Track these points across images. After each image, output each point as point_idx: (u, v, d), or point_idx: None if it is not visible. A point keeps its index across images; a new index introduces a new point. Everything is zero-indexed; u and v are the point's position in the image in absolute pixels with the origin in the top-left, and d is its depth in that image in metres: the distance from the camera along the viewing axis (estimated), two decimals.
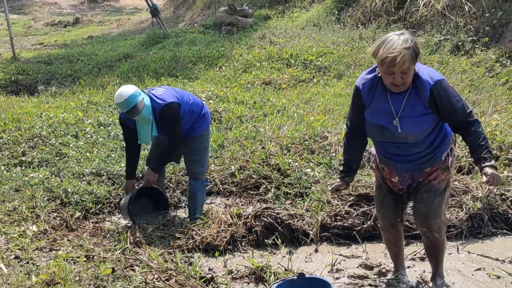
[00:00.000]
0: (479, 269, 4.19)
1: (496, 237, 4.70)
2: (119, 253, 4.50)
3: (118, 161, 6.44)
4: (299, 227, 4.90)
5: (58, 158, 6.64)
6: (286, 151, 6.13)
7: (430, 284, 3.93)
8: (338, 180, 3.79)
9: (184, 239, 4.87)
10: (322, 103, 7.92)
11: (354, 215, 4.94)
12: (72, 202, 5.54)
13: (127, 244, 4.66)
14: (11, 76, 12.09)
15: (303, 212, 5.04)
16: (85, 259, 4.38)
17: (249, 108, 8.07)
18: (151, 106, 4.99)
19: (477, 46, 8.85)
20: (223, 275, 4.27)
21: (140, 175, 6.19)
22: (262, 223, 4.94)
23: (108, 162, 6.40)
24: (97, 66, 12.59)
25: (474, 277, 4.09)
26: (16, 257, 4.40)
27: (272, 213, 4.98)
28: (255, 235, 4.88)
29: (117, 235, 4.99)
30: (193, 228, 5.01)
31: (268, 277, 4.13)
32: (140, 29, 20.01)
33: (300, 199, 5.33)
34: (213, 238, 4.80)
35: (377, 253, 4.58)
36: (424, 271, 4.14)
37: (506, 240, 4.64)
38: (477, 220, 4.77)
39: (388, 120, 3.46)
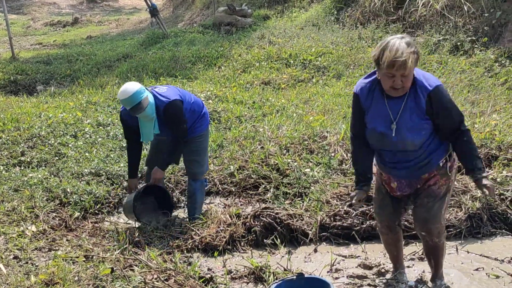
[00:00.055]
0: (478, 269, 4.20)
1: (495, 237, 4.70)
2: (118, 253, 4.50)
3: (117, 161, 6.44)
4: (298, 227, 4.90)
5: (57, 158, 6.64)
6: (285, 151, 6.13)
7: (430, 285, 3.93)
8: (357, 190, 3.69)
9: (183, 239, 4.87)
10: (321, 103, 7.92)
11: (353, 215, 4.94)
12: (71, 202, 5.54)
13: (126, 244, 4.66)
14: (10, 76, 12.08)
15: (302, 212, 5.04)
16: (84, 259, 4.38)
17: (248, 108, 8.07)
18: (154, 103, 4.98)
19: (476, 46, 8.85)
20: (222, 275, 4.27)
21: (139, 175, 6.19)
22: (261, 223, 4.93)
23: (107, 162, 6.40)
24: (96, 66, 12.59)
25: (473, 277, 4.09)
26: (15, 257, 4.40)
27: (271, 213, 4.98)
28: (254, 235, 4.88)
29: (116, 235, 4.99)
30: (192, 228, 5.01)
31: (267, 277, 4.13)
32: (139, 29, 20.01)
33: (299, 199, 5.33)
34: (212, 238, 4.80)
35: (376, 253, 4.58)
36: (423, 271, 4.14)
37: (505, 240, 4.64)
38: (476, 220, 4.77)
39: (387, 125, 3.47)
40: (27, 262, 4.35)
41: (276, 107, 7.96)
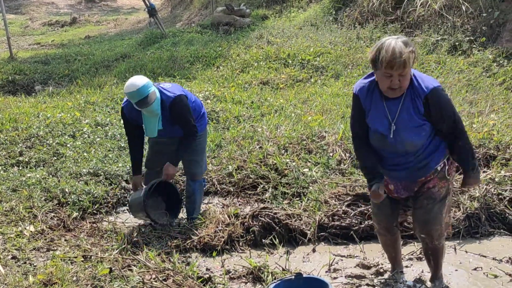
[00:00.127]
0: (476, 268, 4.20)
1: (493, 236, 4.70)
2: (117, 253, 4.50)
3: (115, 161, 6.43)
4: (296, 227, 4.90)
5: (55, 158, 6.63)
6: (283, 151, 6.13)
7: (429, 285, 3.93)
8: (375, 185, 3.61)
9: (182, 239, 4.86)
10: (320, 103, 7.92)
11: (351, 215, 4.94)
12: (69, 202, 5.54)
13: (124, 244, 4.66)
14: (8, 76, 12.07)
15: (301, 212, 5.04)
16: (82, 259, 4.38)
17: (247, 108, 8.07)
18: (160, 98, 4.95)
19: (474, 46, 8.86)
20: (221, 275, 4.26)
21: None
22: (260, 223, 4.93)
23: (105, 162, 6.39)
24: (94, 66, 12.58)
25: (471, 277, 4.09)
26: (13, 257, 4.39)
27: (269, 213, 4.98)
28: (252, 235, 4.88)
29: (114, 235, 4.99)
30: (191, 228, 5.01)
31: (265, 277, 4.13)
32: (138, 29, 20.00)
33: (297, 199, 5.33)
34: (211, 238, 4.80)
35: (374, 252, 4.58)
36: (422, 271, 4.14)
37: (503, 240, 4.65)
38: (475, 220, 4.77)
39: (386, 126, 3.47)
40: (25, 262, 4.34)
41: (274, 107, 7.96)
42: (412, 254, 4.44)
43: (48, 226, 5.08)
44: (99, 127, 7.65)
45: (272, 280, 3.98)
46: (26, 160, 6.56)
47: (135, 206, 5.20)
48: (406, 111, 3.42)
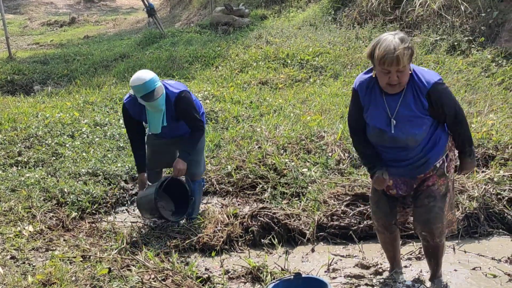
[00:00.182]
0: (475, 268, 4.20)
1: (492, 236, 4.70)
2: (116, 253, 4.50)
3: (114, 161, 6.43)
4: (295, 226, 4.90)
5: (54, 158, 6.63)
6: (282, 151, 6.13)
7: (429, 284, 3.94)
8: (377, 172, 3.62)
9: (181, 239, 4.86)
10: (319, 103, 7.92)
11: (350, 214, 4.95)
12: (68, 202, 5.54)
13: (123, 244, 4.66)
14: (7, 76, 12.06)
15: (300, 212, 5.04)
16: (81, 259, 4.37)
17: (246, 108, 8.07)
18: (165, 94, 4.93)
19: (473, 46, 8.86)
20: (220, 275, 4.26)
21: (136, 175, 6.18)
22: (259, 223, 4.94)
23: (104, 162, 6.39)
24: (93, 66, 12.57)
25: (470, 276, 4.10)
26: (12, 257, 4.39)
27: (268, 213, 4.98)
28: (251, 235, 4.88)
29: (113, 235, 4.99)
30: (190, 228, 5.01)
31: (264, 277, 4.13)
32: (137, 29, 19.99)
33: (296, 198, 5.33)
34: (210, 238, 4.80)
35: (373, 252, 4.58)
36: (421, 271, 4.15)
37: (502, 240, 4.65)
38: (473, 220, 4.77)
39: (386, 122, 3.47)
40: (24, 262, 4.34)
41: (273, 107, 7.96)
42: (411, 254, 4.44)
43: (47, 226, 5.08)
44: (98, 127, 7.65)
45: (271, 280, 3.98)
46: (25, 160, 6.56)
47: (145, 204, 5.10)
48: (407, 106, 3.42)
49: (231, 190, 5.75)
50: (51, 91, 10.75)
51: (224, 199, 5.70)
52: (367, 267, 4.31)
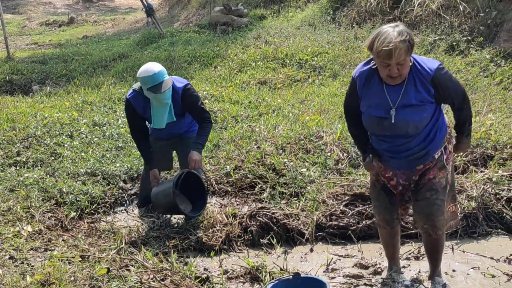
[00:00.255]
0: (474, 268, 4.21)
1: (491, 236, 4.71)
2: (114, 253, 4.49)
3: (113, 161, 6.43)
4: (294, 226, 4.90)
5: (53, 158, 6.62)
6: (281, 150, 6.13)
7: (429, 283, 3.94)
8: (368, 157, 3.73)
9: (180, 239, 4.86)
10: (317, 103, 7.93)
11: (349, 214, 4.95)
12: (67, 202, 5.53)
13: (122, 244, 4.66)
14: (6, 76, 12.04)
15: (299, 212, 5.04)
16: (80, 259, 4.37)
17: (244, 108, 8.07)
18: (171, 88, 4.92)
19: (471, 46, 8.87)
20: (219, 275, 4.26)
21: (135, 175, 6.19)
22: (258, 223, 4.94)
23: (103, 162, 6.39)
24: (92, 65, 12.56)
25: (469, 276, 4.10)
26: (11, 258, 4.38)
27: (267, 213, 4.98)
28: (250, 235, 4.88)
29: (112, 235, 4.99)
30: (189, 228, 5.00)
31: (263, 276, 4.13)
32: (135, 29, 19.98)
33: (295, 198, 5.33)
34: (209, 238, 4.80)
35: (372, 252, 4.59)
36: (419, 271, 4.15)
37: (501, 239, 4.66)
38: (472, 220, 4.78)
39: (386, 110, 3.48)
40: (22, 262, 4.33)
41: (272, 107, 7.96)
42: (409, 254, 4.45)
43: (45, 226, 5.08)
44: (96, 127, 7.64)
45: (270, 280, 3.98)
46: (24, 160, 6.55)
47: (162, 199, 4.98)
48: (408, 95, 3.43)
49: (230, 190, 5.75)
50: (49, 91, 10.74)
51: (223, 199, 5.69)
52: (366, 267, 4.31)
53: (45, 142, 7.01)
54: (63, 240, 4.88)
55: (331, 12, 12.54)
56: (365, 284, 4.08)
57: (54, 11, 28.31)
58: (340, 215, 4.97)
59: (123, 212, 5.75)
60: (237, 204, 5.46)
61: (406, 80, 3.43)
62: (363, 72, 3.57)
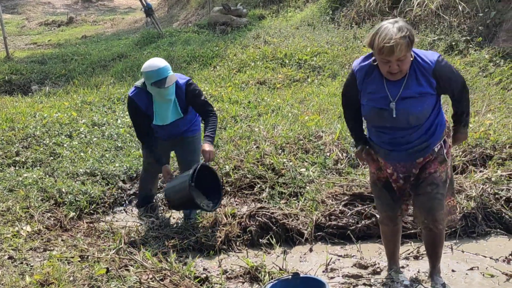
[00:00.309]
0: (473, 268, 4.21)
1: (490, 236, 4.71)
2: (114, 253, 4.49)
3: (112, 161, 6.43)
4: (293, 226, 4.90)
5: (52, 158, 6.62)
6: (280, 150, 6.13)
7: (429, 281, 3.94)
8: (359, 147, 3.83)
9: (179, 239, 4.86)
10: (317, 103, 7.93)
11: (348, 214, 4.95)
12: (66, 202, 5.53)
13: (121, 244, 4.66)
14: (5, 76, 12.04)
15: (298, 212, 5.04)
16: (79, 259, 4.37)
17: (244, 107, 8.07)
18: (175, 84, 4.92)
19: (470, 45, 8.87)
20: (218, 275, 4.26)
21: (134, 175, 6.19)
22: (257, 223, 4.93)
23: (102, 162, 6.39)
24: (91, 65, 12.56)
25: (468, 276, 4.10)
26: (10, 258, 4.38)
27: (266, 213, 4.98)
28: (249, 235, 4.88)
29: (111, 235, 4.98)
30: (188, 228, 5.00)
31: (262, 276, 4.13)
32: (134, 29, 19.97)
33: (294, 198, 5.33)
34: (208, 238, 4.80)
35: (371, 252, 4.59)
36: (418, 271, 4.15)
37: (500, 239, 4.66)
38: (471, 220, 4.77)
39: (386, 104, 3.48)
40: (22, 263, 4.34)
41: (271, 106, 7.96)
42: (408, 254, 4.45)
43: (44, 226, 5.08)
44: (95, 127, 7.65)
45: (269, 280, 3.98)
46: (23, 160, 6.55)
47: (177, 193, 4.86)
48: (409, 89, 3.44)
49: (229, 190, 5.75)
50: (49, 91, 10.75)
51: (222, 199, 5.69)
52: (365, 267, 4.31)
53: (44, 142, 7.02)
54: (62, 240, 4.88)
55: (330, 12, 12.54)
56: (364, 284, 4.08)
57: (53, 11, 28.31)
58: (339, 215, 4.97)
59: (122, 212, 5.75)
60: (236, 204, 5.46)
61: (407, 75, 3.43)
62: (363, 67, 3.57)
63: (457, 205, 3.94)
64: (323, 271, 4.30)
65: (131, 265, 4.26)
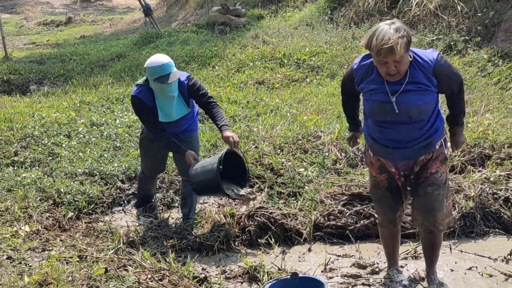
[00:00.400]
0: (471, 268, 4.21)
1: (489, 236, 4.71)
2: (112, 253, 4.49)
3: (111, 161, 6.42)
4: (292, 226, 4.90)
5: (50, 158, 6.62)
6: (279, 150, 6.13)
7: (425, 281, 3.94)
8: (352, 133, 4.11)
9: (178, 239, 4.86)
10: (315, 103, 7.93)
11: (347, 214, 4.95)
12: (64, 202, 5.52)
13: (120, 244, 4.66)
14: (3, 75, 12.02)
15: (296, 212, 5.04)
16: (78, 259, 4.37)
17: (242, 107, 8.06)
18: (177, 80, 4.91)
19: (469, 45, 8.88)
20: (217, 274, 4.27)
21: (133, 175, 6.18)
22: (256, 223, 4.94)
23: (101, 162, 6.38)
24: (89, 65, 12.55)
25: (466, 276, 4.10)
26: (9, 258, 4.38)
27: (265, 213, 4.98)
28: (248, 235, 4.88)
29: (110, 235, 4.98)
30: (187, 228, 5.00)
31: (261, 276, 4.13)
32: (133, 29, 19.96)
33: (293, 198, 5.33)
34: (207, 238, 4.80)
35: (370, 252, 4.59)
36: (416, 271, 4.15)
37: (499, 239, 4.66)
38: (470, 219, 4.78)
39: (388, 97, 3.47)
40: (20, 263, 4.33)
41: (270, 106, 7.96)
42: (407, 253, 4.45)
43: (43, 226, 5.07)
44: (94, 127, 7.64)
45: (268, 280, 3.98)
46: (21, 160, 6.54)
47: (202, 175, 4.71)
48: (410, 86, 3.43)
49: None
50: (47, 91, 10.73)
51: (221, 199, 5.69)
52: (364, 267, 4.31)
53: (43, 142, 7.01)
54: (61, 240, 4.87)
55: (329, 12, 12.54)
56: (363, 284, 4.08)
57: (52, 11, 28.28)
58: (338, 215, 4.97)
59: (121, 212, 5.75)
60: (235, 204, 5.46)
61: (408, 75, 3.42)
62: (363, 66, 3.57)
63: (452, 208, 3.94)
64: (322, 271, 4.31)
65: (130, 265, 4.26)
